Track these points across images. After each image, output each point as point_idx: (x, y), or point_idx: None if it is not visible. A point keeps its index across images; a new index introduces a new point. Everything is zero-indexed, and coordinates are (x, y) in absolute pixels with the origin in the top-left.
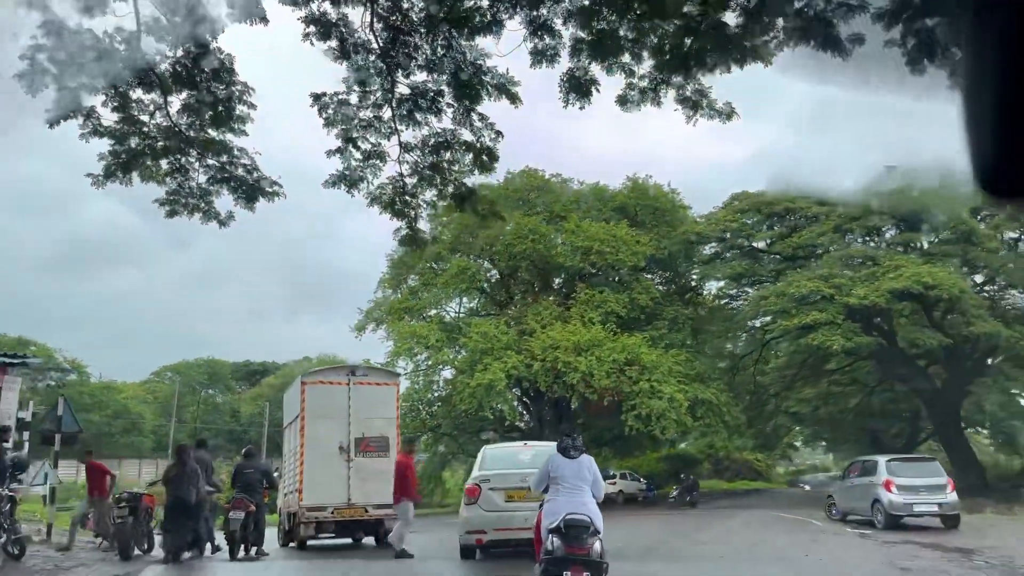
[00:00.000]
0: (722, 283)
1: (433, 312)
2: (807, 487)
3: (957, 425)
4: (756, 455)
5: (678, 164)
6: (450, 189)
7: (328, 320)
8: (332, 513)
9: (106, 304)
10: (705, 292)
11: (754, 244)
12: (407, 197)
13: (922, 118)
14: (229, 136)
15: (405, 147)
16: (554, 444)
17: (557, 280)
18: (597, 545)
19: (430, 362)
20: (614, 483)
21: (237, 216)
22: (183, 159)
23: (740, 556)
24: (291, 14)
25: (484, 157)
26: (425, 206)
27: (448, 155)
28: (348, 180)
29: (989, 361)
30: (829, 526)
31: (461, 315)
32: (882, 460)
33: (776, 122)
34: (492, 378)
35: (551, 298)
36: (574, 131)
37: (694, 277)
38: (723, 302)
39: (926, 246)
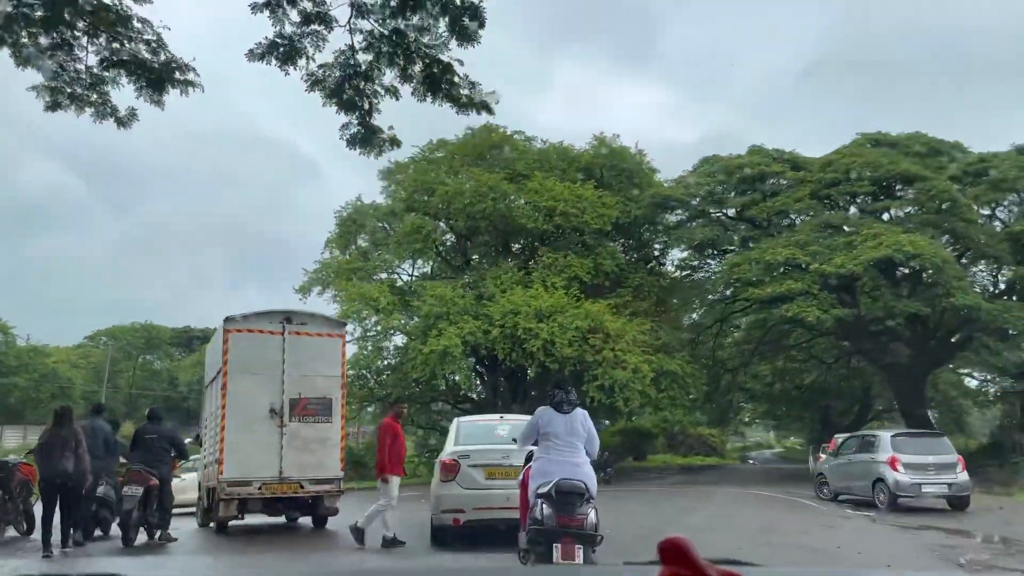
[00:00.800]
0: (685, 253)
1: (384, 275)
2: (754, 463)
3: (921, 403)
4: (710, 431)
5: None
6: (418, 68)
7: (274, 288)
8: (260, 489)
9: (43, 268)
10: (667, 263)
11: (725, 211)
12: (359, 81)
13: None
14: (128, 2)
15: (358, 8)
16: (528, 417)
17: (518, 244)
18: (592, 515)
19: (380, 327)
20: None
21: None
22: (67, 32)
23: (761, 547)
24: None
25: (465, 20)
26: (383, 93)
27: (416, 19)
28: (281, 52)
29: (953, 339)
30: (826, 507)
31: (415, 279)
32: (885, 435)
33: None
34: (447, 344)
35: (511, 262)
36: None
37: (657, 246)
38: (684, 274)
39: (903, 214)
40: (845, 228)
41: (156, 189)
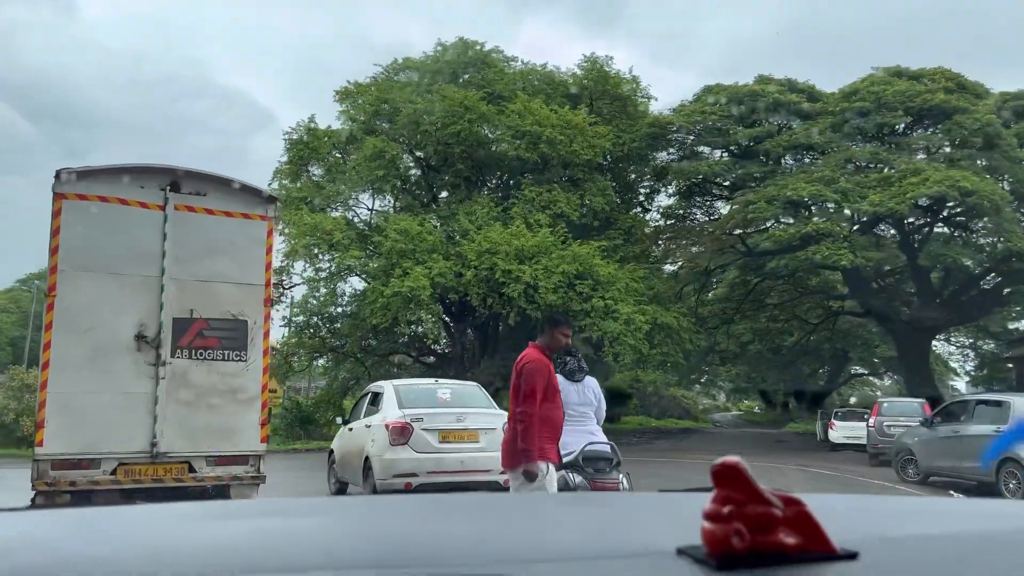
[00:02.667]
0: (672, 200)
1: (340, 210)
2: (719, 425)
3: (926, 366)
4: (683, 392)
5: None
6: None
7: None
8: (113, 474)
9: None
10: (653, 209)
11: (731, 145)
12: None
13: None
14: None
15: None
16: (468, 383)
17: (495, 177)
18: (624, 480)
19: (334, 265)
20: None
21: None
22: None
23: None
24: None
25: None
26: None
27: None
28: None
29: (964, 297)
30: (920, 491)
31: (375, 214)
32: (1016, 399)
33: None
34: (413, 285)
35: (488, 195)
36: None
37: (643, 189)
38: (668, 223)
39: (948, 149)
40: (875, 164)
41: (108, 135)
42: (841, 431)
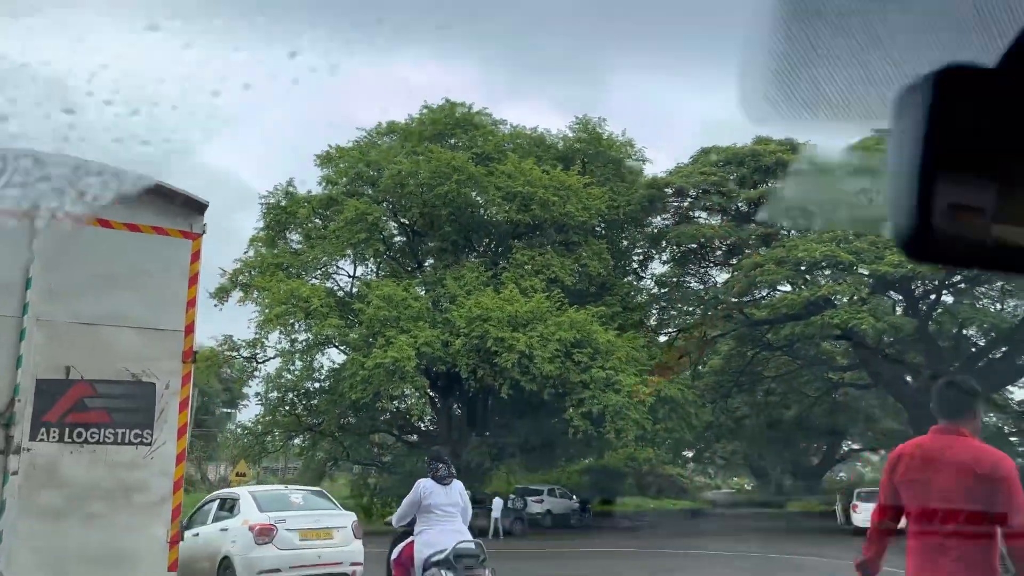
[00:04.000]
0: (666, 267)
1: (320, 277)
2: (716, 505)
3: None
4: (679, 470)
5: None
6: None
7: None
8: None
9: None
10: (647, 276)
11: (730, 209)
12: None
13: None
14: None
15: None
16: (313, 488)
17: (484, 242)
18: (490, 574)
19: (311, 337)
20: (540, 501)
21: None
22: None
23: None
24: None
25: None
26: None
27: None
28: None
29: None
30: None
31: (356, 281)
32: None
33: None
34: (397, 356)
35: (477, 260)
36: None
37: (636, 256)
38: (663, 291)
39: None
40: None
41: None
42: (866, 513)
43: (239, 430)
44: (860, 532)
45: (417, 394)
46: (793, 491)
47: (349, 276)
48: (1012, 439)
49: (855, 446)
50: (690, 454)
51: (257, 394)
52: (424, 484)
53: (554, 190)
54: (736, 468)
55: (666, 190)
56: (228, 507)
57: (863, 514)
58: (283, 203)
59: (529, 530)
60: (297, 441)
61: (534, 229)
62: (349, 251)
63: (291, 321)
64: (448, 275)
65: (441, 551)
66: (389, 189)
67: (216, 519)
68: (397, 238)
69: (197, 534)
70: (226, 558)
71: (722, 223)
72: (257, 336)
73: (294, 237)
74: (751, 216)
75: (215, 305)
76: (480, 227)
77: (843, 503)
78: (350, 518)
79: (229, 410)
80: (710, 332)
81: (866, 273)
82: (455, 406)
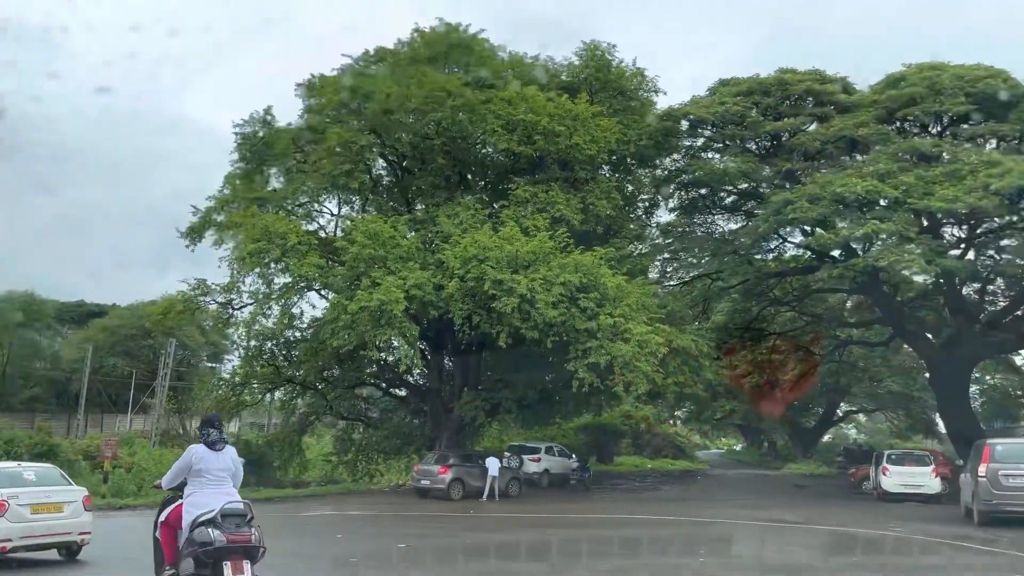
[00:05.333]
0: (672, 216)
1: (301, 217)
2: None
3: (964, 399)
4: (676, 429)
5: None
6: None
7: (202, 268)
8: None
9: None
10: (652, 224)
11: (756, 141)
12: None
13: None
14: None
15: None
16: (45, 466)
17: (482, 177)
18: (256, 532)
19: (289, 278)
20: (537, 460)
21: None
22: None
23: None
24: None
25: None
26: None
27: None
28: None
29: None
30: None
31: (339, 219)
32: None
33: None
34: (384, 298)
35: (473, 199)
36: None
37: (641, 203)
38: (667, 241)
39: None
40: (938, 157)
41: (77, 170)
42: (897, 478)
43: (214, 381)
44: (892, 498)
45: (406, 343)
46: (786, 453)
47: (332, 214)
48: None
49: (852, 408)
50: (680, 413)
51: (233, 343)
52: (195, 449)
53: (560, 120)
54: (727, 428)
55: (682, 122)
56: None
57: (894, 478)
58: (260, 133)
59: (526, 491)
60: (278, 395)
61: (537, 163)
62: (331, 188)
63: (266, 260)
64: (441, 212)
65: (209, 511)
66: (376, 118)
67: None
68: (386, 179)
69: None
70: None
71: (739, 163)
72: (231, 279)
73: (272, 171)
74: (774, 152)
75: (187, 246)
76: (477, 161)
77: (876, 464)
78: (80, 493)
79: (213, 365)
80: (723, 282)
81: (915, 210)
82: (447, 358)
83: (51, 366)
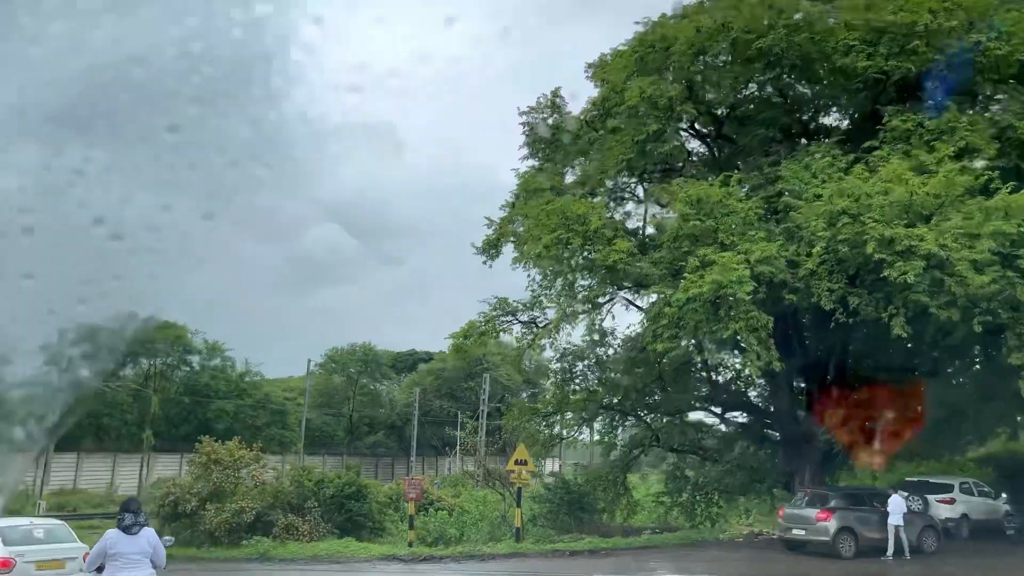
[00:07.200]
0: None
1: (602, 192)
2: None
3: None
4: None
5: None
6: None
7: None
8: None
9: (319, 315)
10: None
11: None
12: None
13: None
14: None
15: None
16: (55, 522)
17: (836, 111)
18: None
19: (595, 277)
20: (951, 502)
21: None
22: None
23: None
24: None
25: None
26: None
27: None
28: None
29: None
30: None
31: (647, 200)
32: None
33: None
34: (721, 279)
35: (827, 142)
36: None
37: None
38: None
39: None
40: None
41: (413, 242)
42: None
43: (516, 411)
44: None
45: (756, 342)
46: None
47: (637, 199)
48: None
49: None
50: None
51: (541, 367)
52: (110, 535)
53: (949, 13)
54: None
55: None
56: None
57: None
58: (548, 120)
59: (944, 545)
60: (597, 426)
61: (916, 83)
62: (636, 158)
63: (566, 253)
64: (784, 166)
65: None
66: (684, 63)
67: None
68: (698, 149)
69: None
70: None
71: None
72: (533, 295)
73: (565, 158)
74: None
75: (484, 263)
76: (825, 94)
77: None
78: (82, 550)
79: (530, 401)
80: None
81: None
82: (794, 370)
83: (389, 412)
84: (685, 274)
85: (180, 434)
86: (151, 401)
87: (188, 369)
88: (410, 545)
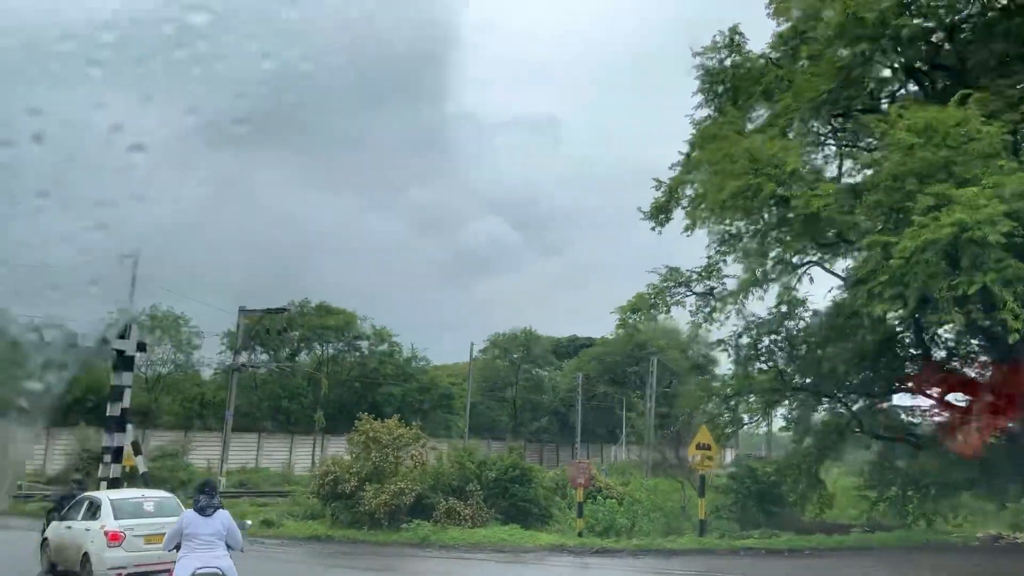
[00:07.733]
0: None
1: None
2: None
3: None
4: None
5: None
6: None
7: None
8: None
9: (483, 306)
10: None
11: None
12: None
13: None
14: None
15: None
16: (166, 495)
17: None
18: None
19: (791, 232)
20: None
21: None
22: None
23: None
24: None
25: None
26: None
27: None
28: None
29: None
30: None
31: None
32: None
33: None
34: (966, 218)
35: None
36: None
37: None
38: None
39: None
40: None
41: (573, 232)
42: None
43: (697, 389)
44: None
45: (1011, 297)
46: None
47: (836, 146)
48: None
49: None
50: None
51: (723, 343)
52: (186, 516)
53: None
54: None
55: None
56: (91, 508)
57: None
58: (726, 61)
59: None
60: (781, 411)
61: None
62: (838, 90)
63: (754, 204)
64: None
65: (188, 572)
66: None
67: (84, 517)
68: (909, 86)
69: (70, 527)
70: (87, 554)
71: None
72: (710, 261)
73: (749, 102)
74: None
75: (652, 228)
76: None
77: None
78: None
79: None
80: None
81: None
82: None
83: (552, 397)
84: (913, 217)
85: (351, 416)
86: (322, 384)
87: (358, 354)
88: (579, 535)
